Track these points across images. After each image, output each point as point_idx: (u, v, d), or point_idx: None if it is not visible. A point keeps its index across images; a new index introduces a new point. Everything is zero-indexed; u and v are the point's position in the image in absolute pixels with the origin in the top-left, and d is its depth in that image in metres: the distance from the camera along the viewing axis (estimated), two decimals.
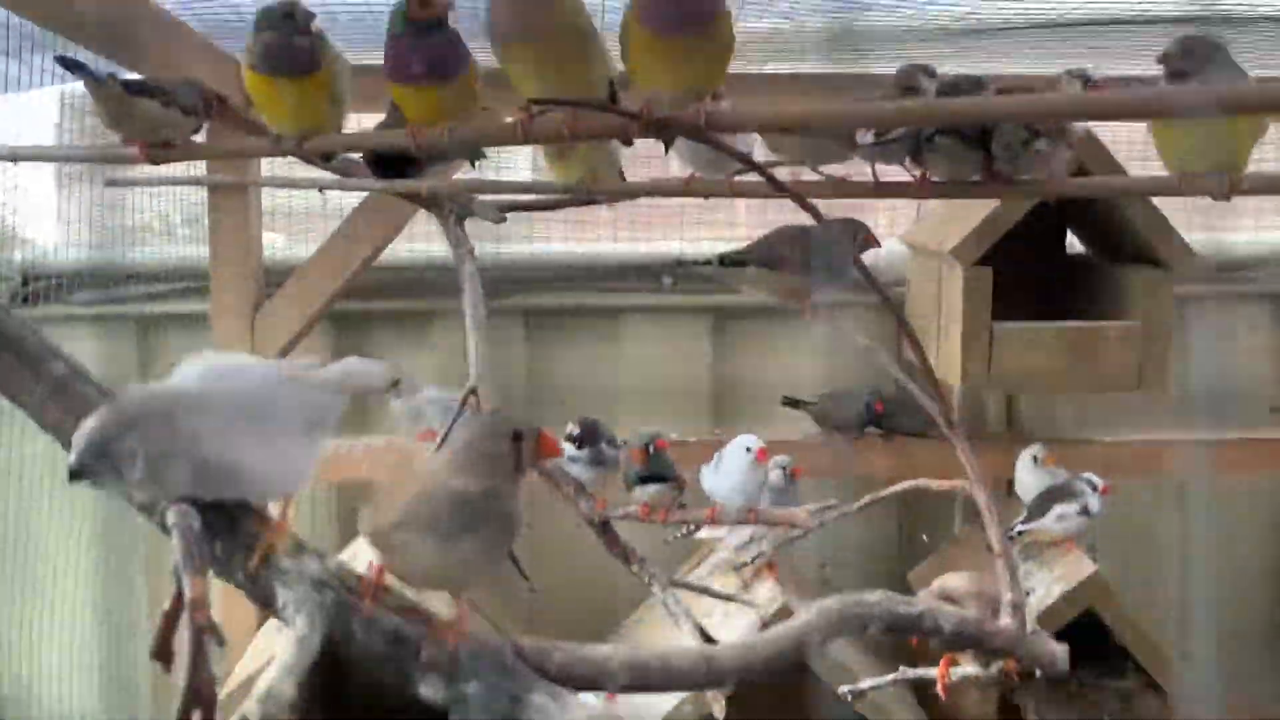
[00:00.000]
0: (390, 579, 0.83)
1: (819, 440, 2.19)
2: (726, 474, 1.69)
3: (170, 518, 0.74)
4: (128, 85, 1.20)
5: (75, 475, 0.79)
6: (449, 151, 1.64)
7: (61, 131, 2.04)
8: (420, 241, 2.24)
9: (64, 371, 0.82)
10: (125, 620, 2.26)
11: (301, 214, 2.24)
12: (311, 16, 1.11)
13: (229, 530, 0.81)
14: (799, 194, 1.21)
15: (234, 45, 1.83)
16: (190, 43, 1.70)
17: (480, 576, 0.82)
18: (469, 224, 1.75)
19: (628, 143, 1.20)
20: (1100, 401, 2.32)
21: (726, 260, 1.33)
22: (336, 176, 1.58)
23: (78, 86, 1.76)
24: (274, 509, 0.86)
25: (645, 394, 2.40)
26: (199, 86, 1.24)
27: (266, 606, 0.81)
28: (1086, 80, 1.59)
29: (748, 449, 1.67)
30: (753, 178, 1.25)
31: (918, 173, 1.32)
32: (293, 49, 1.10)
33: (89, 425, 0.79)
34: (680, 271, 1.39)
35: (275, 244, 2.27)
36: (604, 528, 1.40)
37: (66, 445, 0.76)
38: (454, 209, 1.78)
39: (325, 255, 2.06)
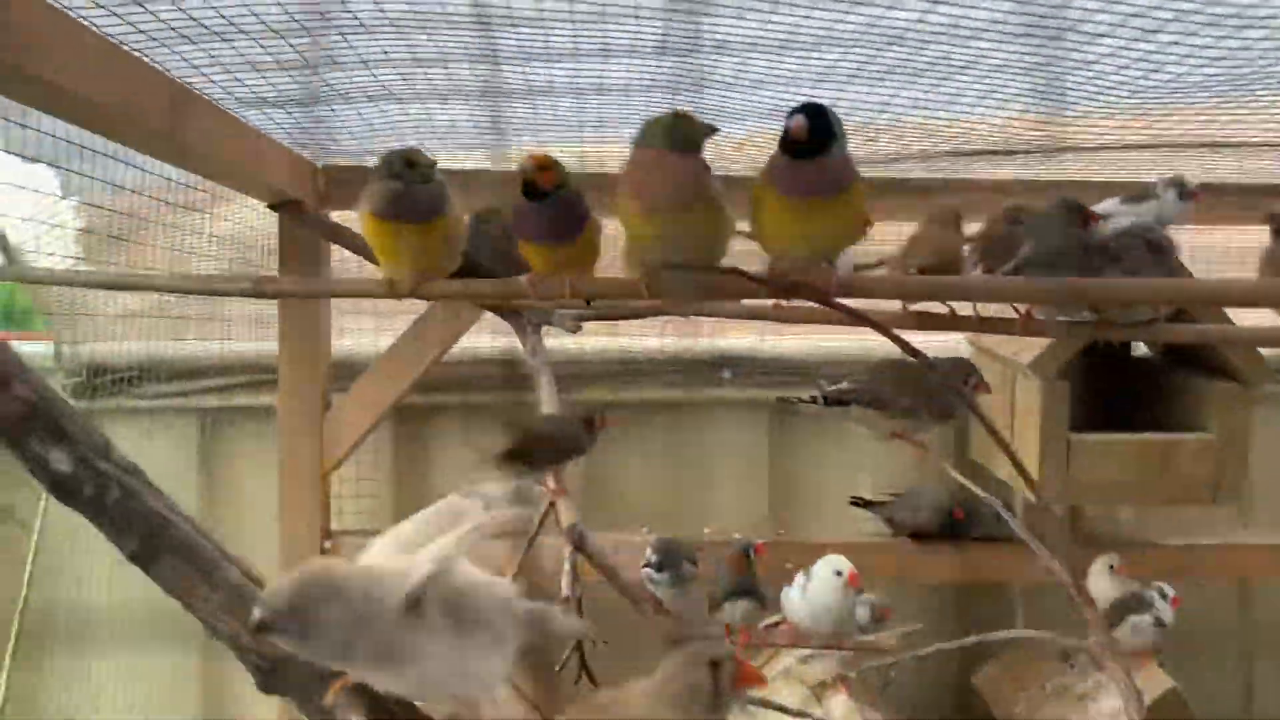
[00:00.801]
0: None
1: (884, 543, 2.16)
2: (816, 598, 1.64)
3: None
4: None
5: (260, 628, 0.76)
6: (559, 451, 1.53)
7: (89, 240, 2.03)
8: (485, 336, 2.24)
9: (238, 579, 0.81)
10: None
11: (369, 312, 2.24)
12: (433, 164, 1.11)
13: None
14: (900, 337, 1.21)
15: (301, 145, 1.84)
16: (266, 149, 1.71)
17: None
18: None
19: None
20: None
21: (830, 400, 1.32)
22: None
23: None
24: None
25: (704, 489, 2.39)
26: None
27: None
28: (1183, 189, 1.59)
29: (838, 573, 1.62)
30: None
31: (1022, 309, 1.32)
32: (415, 196, 1.10)
33: (288, 582, 0.78)
34: (783, 408, 1.38)
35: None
36: None
37: (241, 655, 0.75)
38: (532, 318, 1.79)
39: (395, 355, 2.05)
